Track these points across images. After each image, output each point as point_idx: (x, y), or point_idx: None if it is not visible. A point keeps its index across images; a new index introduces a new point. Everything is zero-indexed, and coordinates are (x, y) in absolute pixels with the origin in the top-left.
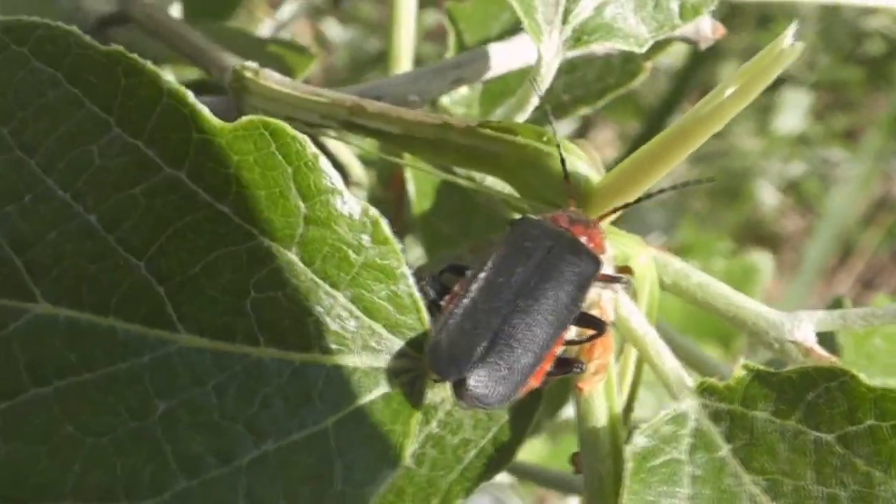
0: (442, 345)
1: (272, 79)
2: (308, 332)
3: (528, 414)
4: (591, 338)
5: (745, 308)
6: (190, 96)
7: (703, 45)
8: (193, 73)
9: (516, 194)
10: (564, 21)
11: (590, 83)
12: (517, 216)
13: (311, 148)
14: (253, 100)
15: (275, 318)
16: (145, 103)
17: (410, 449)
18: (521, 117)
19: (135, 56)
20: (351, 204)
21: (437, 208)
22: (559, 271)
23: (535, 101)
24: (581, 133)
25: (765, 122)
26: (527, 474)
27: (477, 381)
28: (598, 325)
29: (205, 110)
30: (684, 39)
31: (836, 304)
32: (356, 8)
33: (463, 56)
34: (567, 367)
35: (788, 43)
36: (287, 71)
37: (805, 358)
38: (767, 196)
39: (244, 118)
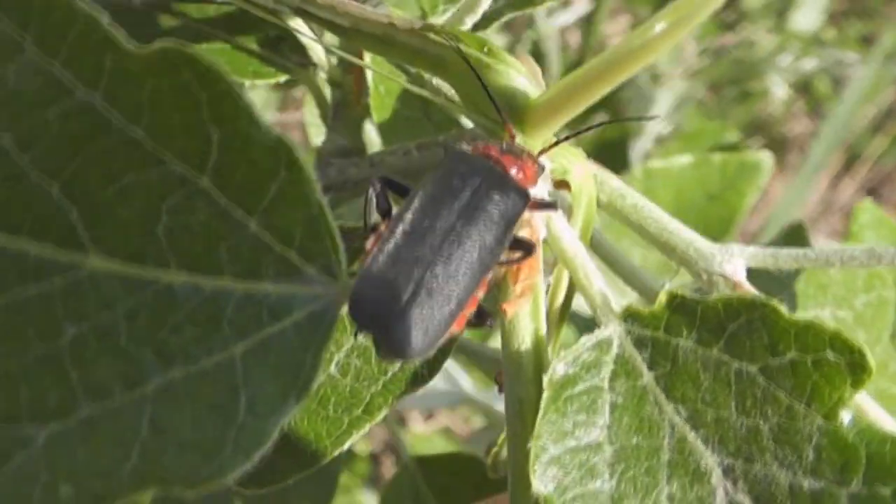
0: (365, 295)
1: None
2: (220, 258)
3: None
4: (519, 259)
5: (677, 235)
6: (104, 20)
7: None
8: None
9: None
10: None
11: None
12: (453, 141)
13: (227, 75)
14: None
15: (187, 244)
16: (60, 25)
17: (318, 381)
18: (471, 19)
19: None
20: (266, 131)
21: (397, 90)
22: (485, 212)
23: (486, 4)
24: (590, 19)
25: (781, 21)
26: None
27: (397, 336)
28: (526, 247)
29: (119, 35)
30: None
31: (796, 229)
32: None
33: None
34: (482, 320)
35: None
36: None
37: (732, 292)
38: (777, 90)
39: (158, 45)
